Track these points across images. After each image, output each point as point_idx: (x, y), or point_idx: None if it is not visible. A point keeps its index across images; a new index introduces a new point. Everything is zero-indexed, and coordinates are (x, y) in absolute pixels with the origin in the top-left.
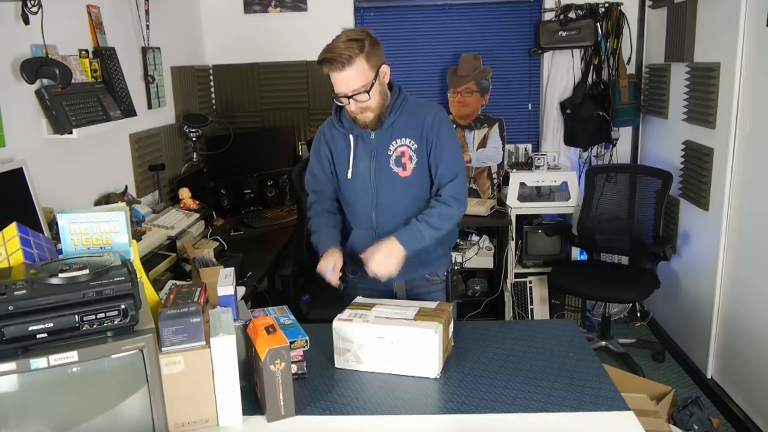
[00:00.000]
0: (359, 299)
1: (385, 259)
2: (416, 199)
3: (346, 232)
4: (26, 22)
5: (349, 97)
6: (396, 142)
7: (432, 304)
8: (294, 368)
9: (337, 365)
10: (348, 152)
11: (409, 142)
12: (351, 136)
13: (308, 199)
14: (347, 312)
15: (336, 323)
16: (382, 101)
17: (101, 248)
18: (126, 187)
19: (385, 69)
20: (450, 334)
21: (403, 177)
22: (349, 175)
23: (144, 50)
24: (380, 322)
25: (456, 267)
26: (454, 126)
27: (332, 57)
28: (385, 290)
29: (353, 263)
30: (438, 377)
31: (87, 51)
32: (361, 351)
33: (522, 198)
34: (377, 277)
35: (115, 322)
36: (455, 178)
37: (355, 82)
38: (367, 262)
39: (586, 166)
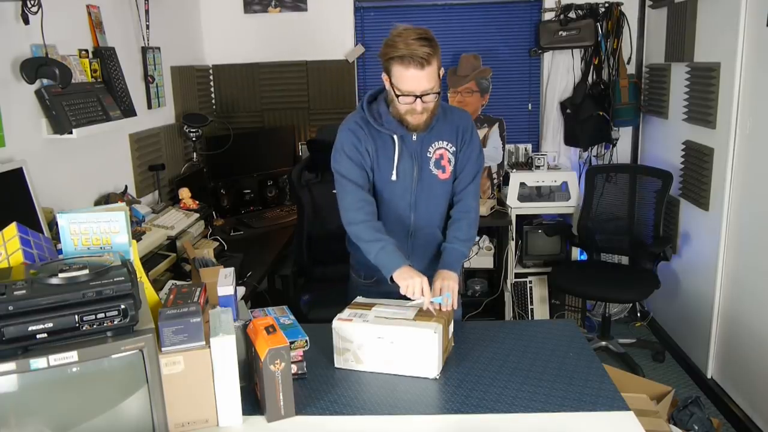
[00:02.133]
0: (359, 299)
1: (452, 284)
2: (448, 201)
3: None
4: (26, 22)
5: (417, 96)
6: (435, 145)
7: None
8: (294, 368)
9: (336, 365)
10: (392, 152)
11: (447, 145)
12: (395, 137)
13: (344, 192)
14: (347, 312)
15: (336, 323)
16: (438, 104)
17: (101, 248)
18: (126, 187)
19: (442, 71)
20: (450, 335)
21: (442, 179)
22: (394, 177)
23: (144, 50)
24: (380, 322)
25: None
26: None
27: (412, 54)
28: (398, 296)
29: (367, 268)
30: (437, 377)
31: (87, 51)
32: (361, 351)
33: (522, 198)
34: (446, 308)
35: (115, 322)
36: (475, 178)
37: (428, 83)
38: (435, 293)
39: (586, 166)
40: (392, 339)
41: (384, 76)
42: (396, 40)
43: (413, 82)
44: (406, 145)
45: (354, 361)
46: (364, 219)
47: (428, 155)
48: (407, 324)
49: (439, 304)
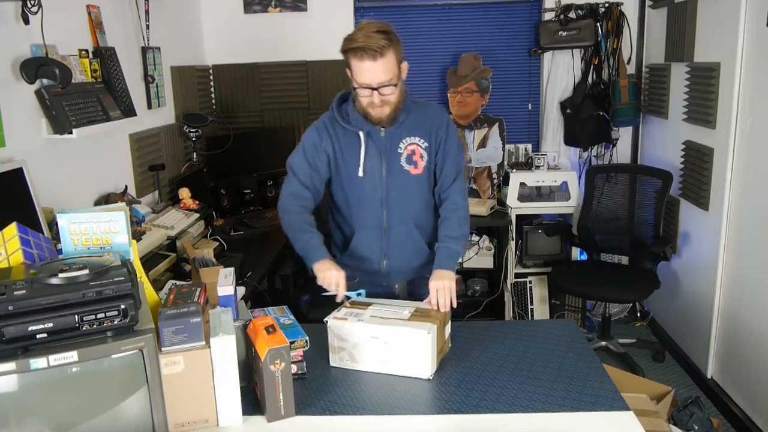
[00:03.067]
0: (358, 298)
1: (448, 283)
2: (424, 197)
3: (343, 237)
4: (26, 21)
5: (373, 89)
6: (406, 140)
7: (429, 305)
8: (294, 368)
9: (332, 363)
10: (358, 149)
11: (419, 140)
12: (361, 133)
13: (289, 183)
14: (343, 311)
15: (331, 322)
16: (400, 97)
17: (101, 248)
18: (126, 187)
19: (405, 65)
20: (446, 336)
21: (414, 175)
22: (361, 173)
23: (144, 50)
24: (375, 321)
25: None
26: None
27: (365, 46)
28: (386, 293)
29: (352, 266)
30: (431, 378)
31: (87, 51)
32: (356, 350)
33: (522, 198)
34: (445, 308)
35: (115, 322)
36: (458, 175)
37: (384, 74)
38: (434, 304)
39: (586, 166)
40: (386, 339)
41: (347, 71)
42: (355, 33)
43: (368, 74)
44: (374, 142)
45: (349, 360)
46: (296, 210)
47: (398, 151)
48: (401, 324)
49: (437, 304)
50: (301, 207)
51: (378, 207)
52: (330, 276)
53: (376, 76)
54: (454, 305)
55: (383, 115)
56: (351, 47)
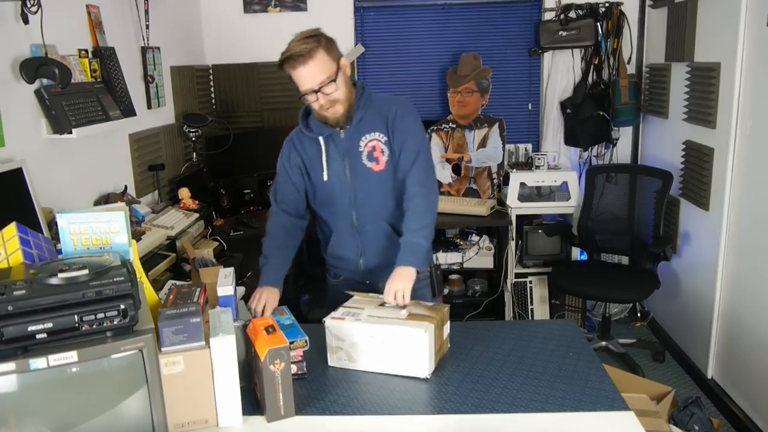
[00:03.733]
0: (356, 297)
1: (401, 285)
2: (393, 192)
3: (324, 238)
4: (26, 21)
5: (316, 91)
6: (366, 137)
7: (427, 305)
8: (294, 368)
9: (330, 363)
10: (320, 155)
11: (379, 135)
12: (321, 139)
13: (270, 210)
14: (340, 310)
15: (328, 322)
16: (349, 93)
17: (101, 248)
18: (126, 187)
19: (344, 62)
20: (445, 336)
21: (377, 171)
22: (325, 177)
23: (144, 50)
24: (372, 321)
25: (438, 263)
26: (454, 125)
27: (293, 54)
28: (372, 290)
29: (336, 266)
30: (428, 378)
31: (86, 51)
32: (354, 350)
33: (522, 198)
34: (402, 304)
35: (115, 322)
36: (416, 160)
37: (320, 74)
38: (388, 299)
39: (586, 166)
40: (384, 338)
41: (293, 84)
42: (287, 47)
43: (305, 79)
44: (335, 144)
45: (347, 359)
46: (270, 233)
47: (359, 149)
48: (399, 324)
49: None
50: (274, 227)
51: (347, 208)
52: (258, 301)
53: (313, 78)
54: (406, 301)
55: (338, 114)
56: (283, 59)
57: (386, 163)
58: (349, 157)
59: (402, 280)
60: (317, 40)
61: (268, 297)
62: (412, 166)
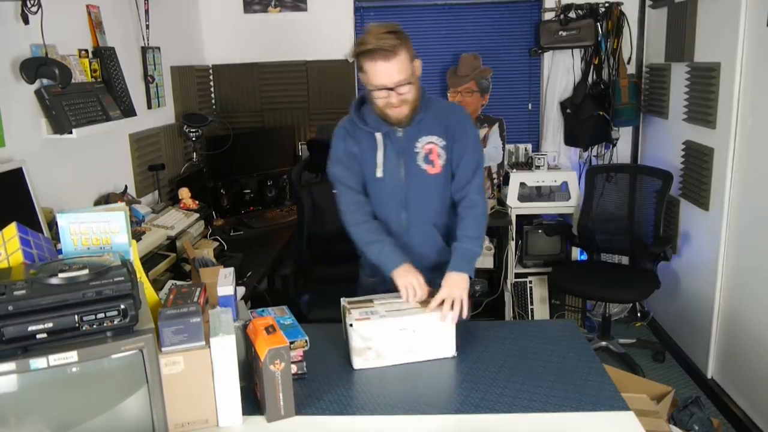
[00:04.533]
0: (350, 298)
1: (459, 294)
2: (443, 197)
3: None
4: (26, 21)
5: (390, 89)
6: (423, 139)
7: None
8: (294, 368)
9: (356, 366)
10: (375, 150)
11: (437, 139)
12: (378, 134)
13: (342, 195)
14: (356, 312)
15: (356, 324)
16: (417, 95)
17: (101, 248)
18: (126, 187)
19: (417, 63)
20: None
21: (432, 174)
22: (379, 174)
23: (144, 50)
24: (396, 314)
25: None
26: None
27: (377, 47)
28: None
29: (373, 266)
30: (455, 355)
31: (87, 51)
32: (383, 346)
33: (522, 198)
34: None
35: (115, 322)
36: (476, 172)
37: (398, 74)
38: (445, 308)
39: (586, 166)
40: (414, 328)
41: (361, 74)
42: (365, 36)
43: (383, 75)
44: (392, 142)
45: (376, 358)
46: (361, 220)
47: (416, 150)
48: (422, 311)
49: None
50: (363, 214)
51: (397, 207)
52: (409, 282)
53: (391, 76)
54: (464, 316)
55: (402, 115)
56: (363, 50)
57: (442, 167)
58: (405, 157)
59: (460, 289)
60: (399, 38)
61: (417, 276)
62: (473, 175)
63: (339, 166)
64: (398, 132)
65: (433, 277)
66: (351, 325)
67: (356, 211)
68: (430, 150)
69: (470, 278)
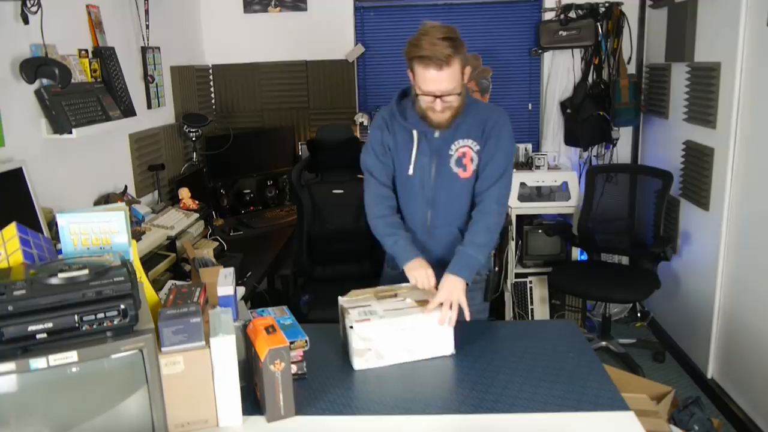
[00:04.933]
0: (345, 299)
1: (456, 297)
2: (470, 200)
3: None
4: (26, 21)
5: (437, 96)
6: (458, 143)
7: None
8: (294, 368)
9: (357, 367)
10: (410, 147)
11: (472, 143)
12: (415, 132)
13: (368, 186)
14: (354, 312)
15: (356, 326)
16: (462, 102)
17: (101, 248)
18: (126, 187)
19: (467, 69)
20: None
21: (463, 178)
22: (411, 171)
23: (144, 50)
24: (394, 314)
25: (496, 268)
26: None
27: (432, 55)
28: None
29: (393, 259)
30: (454, 353)
31: (86, 51)
32: (383, 347)
33: (522, 198)
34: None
35: (115, 322)
36: (501, 178)
37: (449, 83)
38: (443, 310)
39: (586, 166)
40: (413, 328)
41: (408, 72)
42: (420, 38)
43: (432, 83)
44: (428, 141)
45: (375, 358)
46: (382, 214)
47: (450, 153)
48: (420, 310)
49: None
50: (385, 208)
51: (424, 207)
52: (419, 275)
53: (441, 85)
54: (467, 318)
55: (443, 119)
56: (417, 55)
57: (473, 172)
58: (438, 158)
59: (457, 292)
60: (455, 46)
61: (426, 270)
62: (496, 182)
63: (372, 156)
64: (435, 133)
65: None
66: (351, 327)
67: (379, 204)
68: (464, 153)
69: (467, 284)
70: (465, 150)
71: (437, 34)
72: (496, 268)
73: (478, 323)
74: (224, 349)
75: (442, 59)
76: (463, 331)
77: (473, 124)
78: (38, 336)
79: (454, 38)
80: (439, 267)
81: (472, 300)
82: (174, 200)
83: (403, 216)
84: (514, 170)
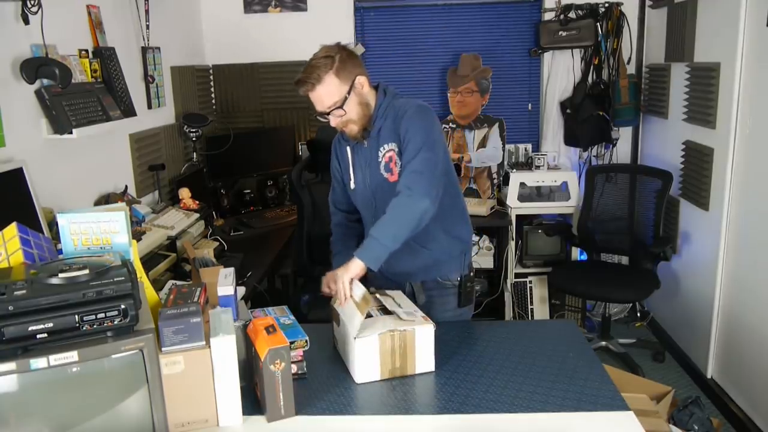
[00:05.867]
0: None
1: (340, 273)
2: None
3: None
4: (26, 21)
5: (327, 114)
6: (384, 148)
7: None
8: (294, 368)
9: (359, 381)
10: (348, 163)
11: (393, 146)
12: (348, 147)
13: (332, 216)
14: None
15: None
16: (363, 112)
17: (101, 248)
18: (126, 187)
19: (361, 80)
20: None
21: (392, 182)
22: (352, 186)
23: (144, 50)
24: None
25: (472, 273)
26: (454, 126)
27: (303, 78)
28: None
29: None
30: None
31: (87, 51)
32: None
33: (522, 198)
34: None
35: (115, 322)
36: (410, 163)
37: (328, 99)
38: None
39: (586, 166)
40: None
41: None
42: (306, 66)
43: (315, 102)
44: (360, 154)
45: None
46: (334, 232)
47: (378, 159)
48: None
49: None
50: (335, 224)
51: (370, 216)
52: (330, 278)
53: (322, 103)
54: (348, 294)
55: (353, 133)
56: (294, 81)
57: (399, 174)
58: (370, 167)
59: (341, 271)
60: (330, 62)
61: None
62: (404, 170)
63: (331, 188)
64: (364, 143)
65: (425, 279)
66: (355, 340)
67: (332, 224)
68: (390, 158)
69: (369, 270)
70: (390, 154)
71: (320, 53)
72: (471, 273)
73: (479, 323)
74: (224, 349)
75: (311, 81)
76: (463, 330)
77: (392, 127)
78: (38, 336)
79: (330, 55)
80: (396, 269)
81: (446, 305)
82: (174, 200)
83: (365, 226)
84: (514, 170)
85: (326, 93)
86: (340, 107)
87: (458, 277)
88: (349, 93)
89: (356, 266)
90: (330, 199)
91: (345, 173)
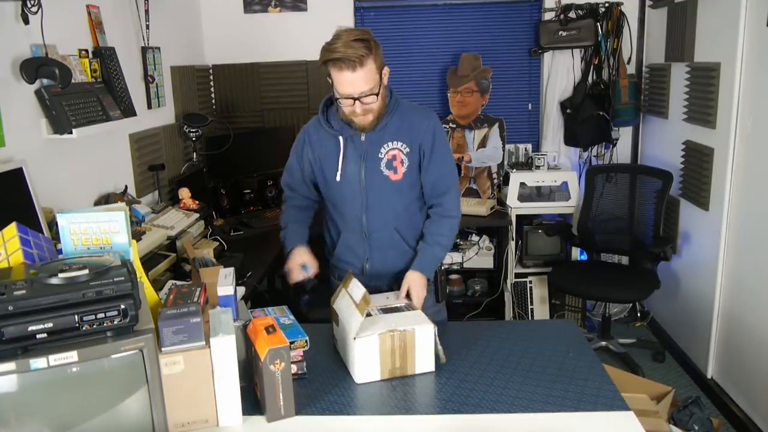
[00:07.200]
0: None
1: (422, 293)
2: (405, 202)
3: (331, 241)
4: (26, 21)
5: (355, 99)
6: (387, 145)
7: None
8: (294, 368)
9: (359, 381)
10: (337, 154)
11: (401, 145)
12: (341, 138)
13: (283, 195)
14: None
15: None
16: (383, 103)
17: (101, 248)
18: (126, 187)
19: (386, 71)
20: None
21: (394, 180)
22: (338, 178)
23: (144, 50)
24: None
25: (443, 267)
26: (454, 126)
27: (342, 57)
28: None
29: (341, 269)
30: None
31: (87, 51)
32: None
33: (522, 198)
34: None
35: (115, 322)
36: (452, 188)
37: (364, 84)
38: (407, 300)
39: (586, 166)
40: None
41: (328, 79)
42: (333, 43)
43: (346, 85)
44: (354, 147)
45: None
46: (285, 211)
47: (379, 156)
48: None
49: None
50: (288, 207)
51: (358, 211)
52: (292, 261)
53: (357, 87)
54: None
55: (366, 122)
56: (330, 58)
57: (404, 174)
58: (367, 162)
59: (418, 286)
60: (369, 47)
61: (300, 257)
62: (447, 192)
63: (287, 173)
64: (361, 136)
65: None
66: (355, 340)
67: (285, 206)
68: (394, 156)
69: (428, 281)
70: (395, 153)
71: (350, 36)
72: (444, 268)
73: (479, 323)
74: (224, 349)
75: (355, 60)
76: (463, 330)
77: (401, 127)
78: (38, 336)
79: (367, 40)
80: (381, 268)
81: (426, 302)
82: (174, 200)
83: (338, 223)
84: (514, 170)
85: (364, 77)
86: (375, 94)
87: (434, 272)
88: (380, 82)
89: (424, 279)
90: (285, 183)
91: (329, 163)
